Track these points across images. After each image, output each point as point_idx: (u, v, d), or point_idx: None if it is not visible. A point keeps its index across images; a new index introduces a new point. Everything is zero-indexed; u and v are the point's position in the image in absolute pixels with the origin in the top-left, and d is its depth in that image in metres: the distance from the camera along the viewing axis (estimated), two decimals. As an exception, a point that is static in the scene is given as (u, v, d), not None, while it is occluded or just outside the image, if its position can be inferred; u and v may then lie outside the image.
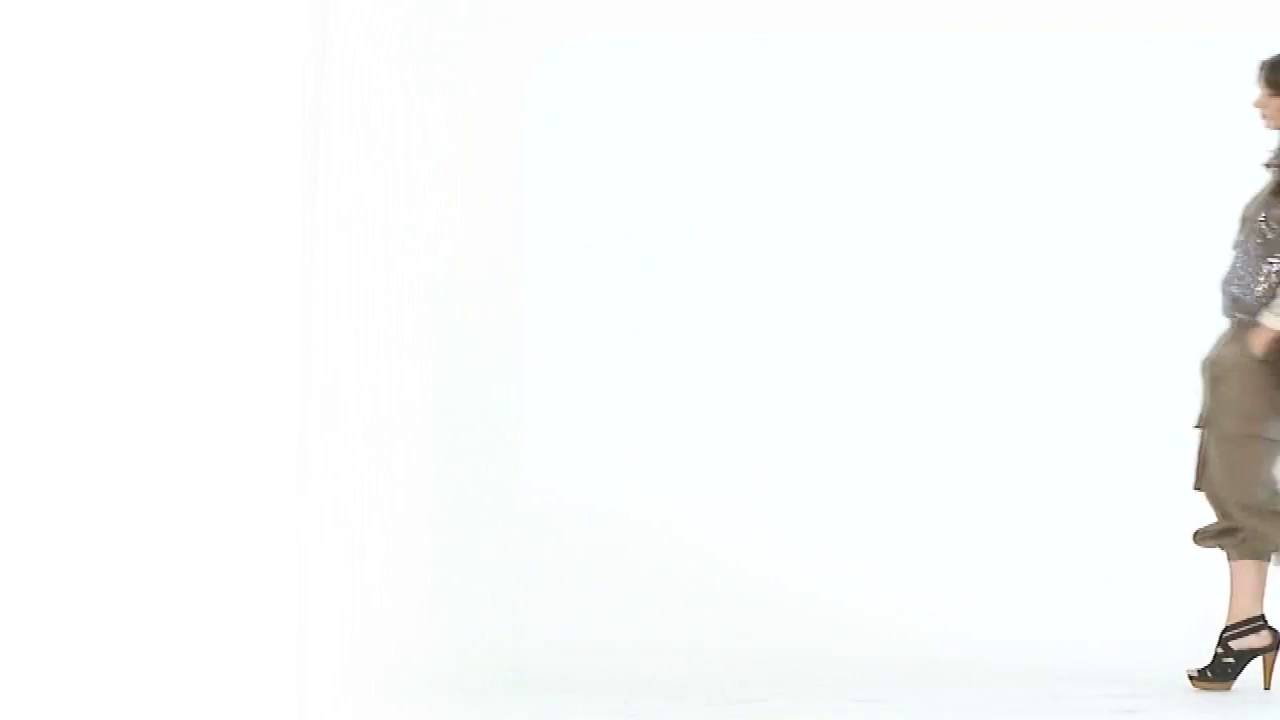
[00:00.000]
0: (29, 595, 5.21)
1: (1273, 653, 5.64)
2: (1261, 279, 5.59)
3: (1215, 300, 5.63)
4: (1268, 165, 5.64)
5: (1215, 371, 5.64)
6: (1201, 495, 5.69)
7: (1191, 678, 5.64)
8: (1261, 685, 5.63)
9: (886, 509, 6.70)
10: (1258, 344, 5.57)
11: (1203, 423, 5.66)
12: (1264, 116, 5.64)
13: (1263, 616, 5.65)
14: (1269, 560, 5.66)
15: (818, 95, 6.98)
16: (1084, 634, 6.23)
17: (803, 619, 6.27)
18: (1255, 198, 5.66)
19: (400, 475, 6.58)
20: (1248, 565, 5.63)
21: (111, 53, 5.47)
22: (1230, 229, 5.65)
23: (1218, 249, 5.66)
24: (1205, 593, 6.34)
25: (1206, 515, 5.67)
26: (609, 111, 5.77)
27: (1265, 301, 5.56)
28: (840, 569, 6.54)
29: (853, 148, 6.96)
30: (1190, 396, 5.66)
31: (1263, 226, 5.58)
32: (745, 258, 6.83)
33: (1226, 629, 5.65)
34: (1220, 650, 5.64)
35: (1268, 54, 5.66)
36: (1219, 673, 5.63)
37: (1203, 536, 5.71)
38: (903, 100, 7.03)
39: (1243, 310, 5.60)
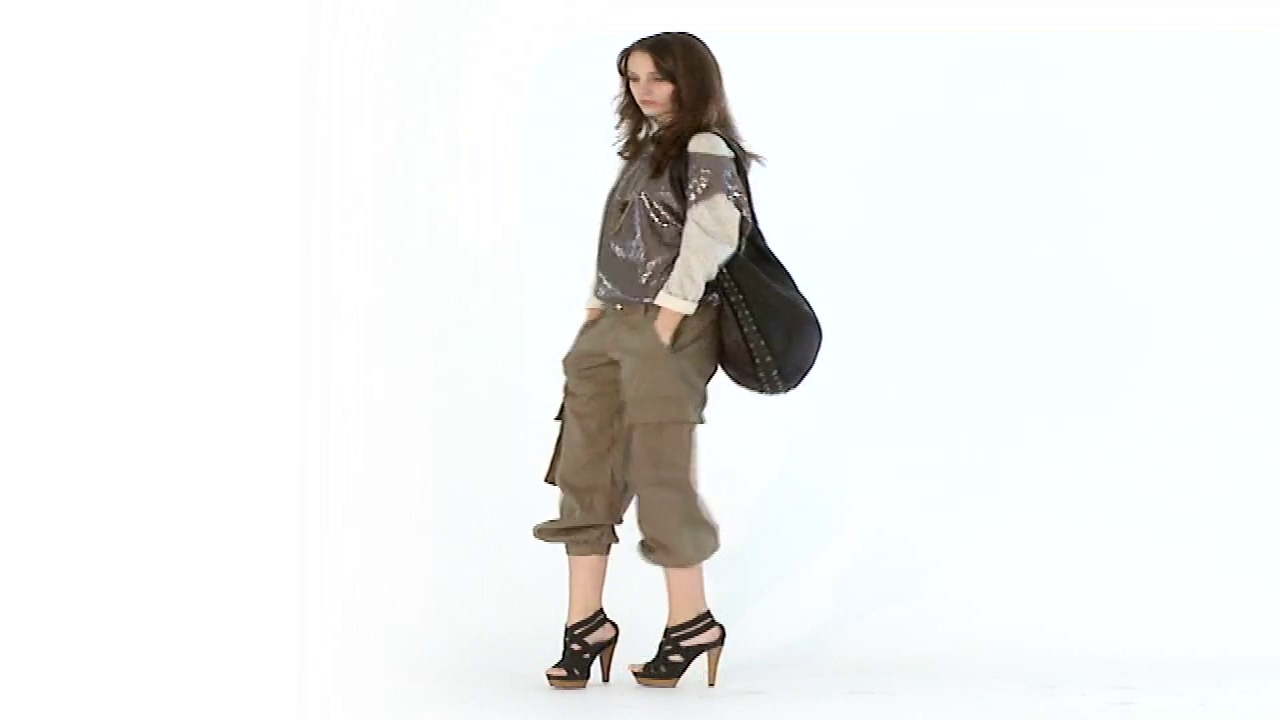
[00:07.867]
0: (30, 591, 5.24)
1: (719, 648, 5.63)
2: None
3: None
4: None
5: None
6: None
7: (636, 674, 5.63)
8: (707, 681, 5.63)
9: (884, 497, 6.73)
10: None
11: None
12: None
13: (709, 613, 5.62)
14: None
15: (818, 93, 7.02)
16: (1080, 623, 6.25)
17: (799, 609, 6.30)
18: None
19: (401, 468, 6.62)
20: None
21: (112, 52, 5.52)
22: None
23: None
24: (1204, 578, 6.38)
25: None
26: (609, 111, 5.80)
27: None
28: (835, 557, 6.58)
29: (849, 146, 7.00)
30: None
31: None
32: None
33: (675, 630, 5.62)
34: (669, 648, 5.62)
35: None
36: (671, 670, 5.61)
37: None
38: (906, 100, 7.07)
39: None
